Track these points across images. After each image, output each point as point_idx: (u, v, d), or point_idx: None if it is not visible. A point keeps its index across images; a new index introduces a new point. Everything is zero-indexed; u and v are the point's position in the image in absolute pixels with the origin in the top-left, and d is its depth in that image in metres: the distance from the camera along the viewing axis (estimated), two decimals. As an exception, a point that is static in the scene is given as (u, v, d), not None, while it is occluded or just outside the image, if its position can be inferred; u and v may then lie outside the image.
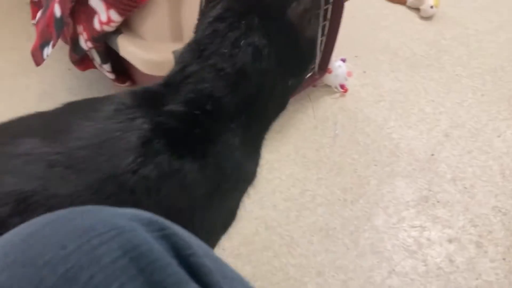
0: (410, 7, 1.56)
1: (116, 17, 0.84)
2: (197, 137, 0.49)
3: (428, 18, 1.51)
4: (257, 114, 0.56)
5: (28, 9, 1.29)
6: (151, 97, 0.51)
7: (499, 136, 1.14)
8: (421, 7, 1.51)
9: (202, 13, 0.59)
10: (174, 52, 0.84)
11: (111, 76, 1.02)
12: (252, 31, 0.53)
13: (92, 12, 0.86)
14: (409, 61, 1.36)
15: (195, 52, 0.53)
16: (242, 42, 0.53)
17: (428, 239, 0.92)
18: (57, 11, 0.91)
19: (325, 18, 1.05)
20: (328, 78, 1.22)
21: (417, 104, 1.22)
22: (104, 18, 0.85)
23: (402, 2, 1.57)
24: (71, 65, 1.05)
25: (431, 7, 1.49)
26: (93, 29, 0.88)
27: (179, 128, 0.48)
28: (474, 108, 1.21)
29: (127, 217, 0.31)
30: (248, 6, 0.55)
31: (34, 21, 1.22)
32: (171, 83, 0.52)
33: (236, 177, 0.54)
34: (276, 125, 0.61)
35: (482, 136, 1.14)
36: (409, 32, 1.47)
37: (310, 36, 0.59)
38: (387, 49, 1.40)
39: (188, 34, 0.64)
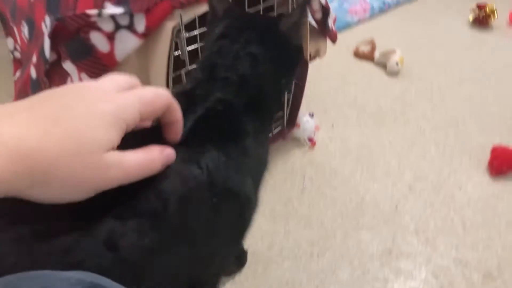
0: (377, 64, 1.64)
1: (87, 79, 0.88)
2: (222, 134, 0.59)
3: (394, 74, 1.59)
4: (261, 109, 0.67)
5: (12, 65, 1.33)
6: None
7: (460, 188, 1.19)
8: (388, 64, 1.59)
9: (208, 33, 0.74)
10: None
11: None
12: (249, 43, 0.67)
13: (65, 74, 0.91)
14: (376, 115, 1.43)
15: (207, 68, 0.66)
16: (241, 53, 0.66)
17: (391, 292, 0.95)
18: (33, 73, 0.95)
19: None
20: (297, 132, 1.27)
21: (383, 157, 1.28)
22: (76, 79, 0.89)
23: (369, 59, 1.65)
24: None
25: (396, 63, 1.57)
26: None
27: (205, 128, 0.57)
28: (436, 161, 1.27)
29: (70, 283, 0.34)
30: (246, 23, 0.69)
31: (14, 78, 1.26)
32: (188, 94, 0.62)
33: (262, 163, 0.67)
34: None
35: (444, 189, 1.19)
36: (376, 88, 1.54)
37: (297, 42, 0.73)
38: (354, 104, 1.47)
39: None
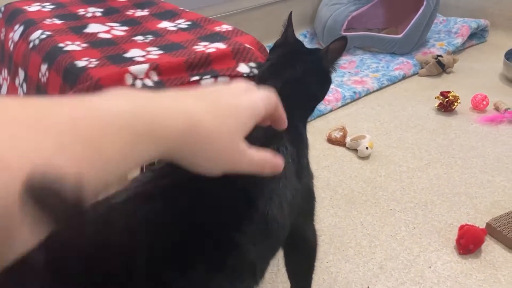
0: (348, 148, 1.73)
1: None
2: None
3: (365, 157, 1.67)
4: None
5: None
6: None
7: (430, 267, 1.22)
8: (358, 148, 1.68)
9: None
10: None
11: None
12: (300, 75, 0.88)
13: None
14: (347, 197, 1.48)
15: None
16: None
17: None
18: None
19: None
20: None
21: (354, 238, 1.32)
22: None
23: (341, 144, 1.74)
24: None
25: (366, 148, 1.66)
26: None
27: None
28: (406, 241, 1.31)
29: None
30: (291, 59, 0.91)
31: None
32: None
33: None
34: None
35: (414, 268, 1.22)
36: (348, 171, 1.61)
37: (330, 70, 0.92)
38: (328, 187, 1.53)
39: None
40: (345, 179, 1.57)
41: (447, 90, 1.96)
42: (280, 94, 0.55)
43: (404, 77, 2.26)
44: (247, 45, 1.13)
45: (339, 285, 1.16)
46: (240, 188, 0.60)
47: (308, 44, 2.39)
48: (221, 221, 0.56)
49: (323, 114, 1.96)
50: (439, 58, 2.27)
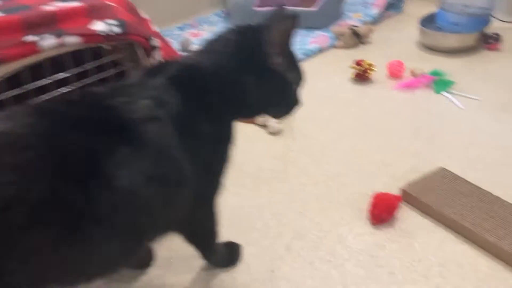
0: (259, 125, 1.59)
1: None
2: None
3: (276, 133, 1.54)
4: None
5: None
6: None
7: (340, 242, 1.10)
8: (268, 124, 1.55)
9: None
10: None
11: None
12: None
13: None
14: (255, 175, 1.35)
15: None
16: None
17: None
18: None
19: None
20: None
21: (260, 218, 1.18)
22: None
23: (251, 121, 1.61)
24: None
25: (277, 123, 1.53)
26: None
27: None
28: (317, 216, 1.19)
29: None
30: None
31: None
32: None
33: None
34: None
35: (324, 245, 1.10)
36: (257, 148, 1.48)
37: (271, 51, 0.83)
38: (233, 166, 1.38)
39: None
40: (254, 156, 1.44)
41: (360, 59, 1.86)
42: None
43: (321, 51, 2.15)
44: (108, 2, 0.96)
45: (240, 272, 1.02)
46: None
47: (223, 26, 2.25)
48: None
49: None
50: (354, 28, 2.18)
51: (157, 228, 0.79)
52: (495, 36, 2.10)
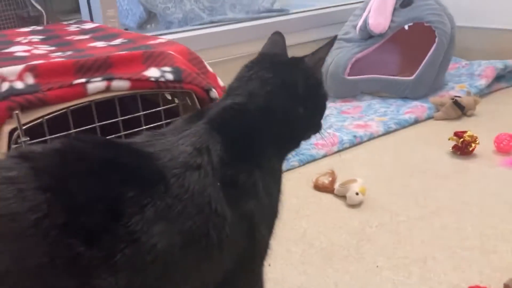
0: (337, 196, 1.43)
1: None
2: None
3: (355, 206, 1.37)
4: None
5: None
6: None
7: None
8: (347, 194, 1.39)
9: None
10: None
11: None
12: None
13: None
14: (324, 252, 1.18)
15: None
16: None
17: None
18: None
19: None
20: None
21: (323, 302, 1.00)
22: None
23: (329, 190, 1.46)
24: None
25: (357, 193, 1.36)
26: None
27: None
28: (392, 307, 0.98)
29: None
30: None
31: None
32: None
33: None
34: None
35: None
36: (331, 221, 1.31)
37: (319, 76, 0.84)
38: (302, 239, 1.23)
39: None
40: (326, 230, 1.27)
41: (462, 131, 1.65)
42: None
43: (417, 121, 1.97)
44: (168, 51, 0.92)
45: None
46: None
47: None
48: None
49: (315, 160, 1.68)
50: (456, 99, 1.97)
51: None
52: None
